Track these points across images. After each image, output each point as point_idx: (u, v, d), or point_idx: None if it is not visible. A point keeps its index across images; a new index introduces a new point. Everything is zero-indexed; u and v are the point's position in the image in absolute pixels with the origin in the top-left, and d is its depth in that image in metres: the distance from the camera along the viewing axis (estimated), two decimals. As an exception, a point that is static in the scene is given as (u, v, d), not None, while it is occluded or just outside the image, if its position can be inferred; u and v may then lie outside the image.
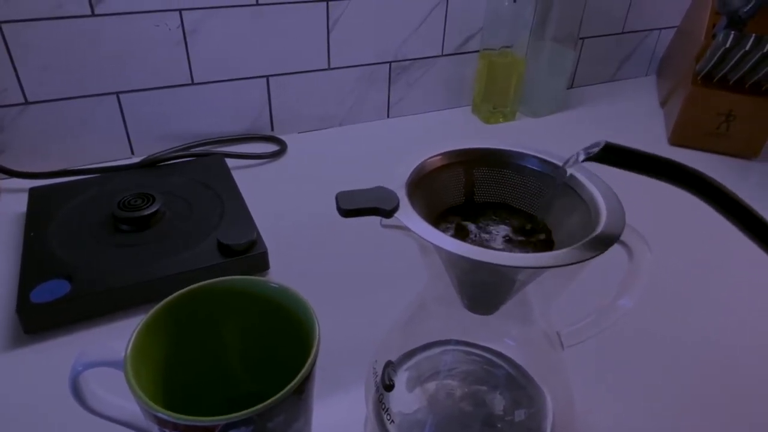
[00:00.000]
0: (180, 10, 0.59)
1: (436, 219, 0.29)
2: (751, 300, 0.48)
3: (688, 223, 0.56)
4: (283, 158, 0.66)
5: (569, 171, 0.27)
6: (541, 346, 0.33)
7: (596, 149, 0.23)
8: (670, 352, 0.42)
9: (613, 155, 0.23)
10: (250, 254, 0.46)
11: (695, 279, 0.50)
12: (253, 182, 0.59)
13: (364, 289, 0.47)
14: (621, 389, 0.39)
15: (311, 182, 0.61)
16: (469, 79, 0.78)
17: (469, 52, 0.76)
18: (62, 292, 0.42)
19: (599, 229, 0.24)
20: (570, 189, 0.28)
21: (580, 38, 0.82)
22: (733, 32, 0.61)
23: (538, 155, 0.30)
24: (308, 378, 0.27)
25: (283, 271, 0.48)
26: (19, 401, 0.37)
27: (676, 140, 0.72)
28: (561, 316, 0.32)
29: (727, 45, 0.62)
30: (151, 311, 0.29)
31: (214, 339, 0.33)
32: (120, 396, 0.30)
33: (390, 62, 0.72)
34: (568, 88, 0.84)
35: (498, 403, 0.33)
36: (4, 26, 0.53)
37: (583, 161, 0.24)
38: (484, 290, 0.27)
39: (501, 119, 0.76)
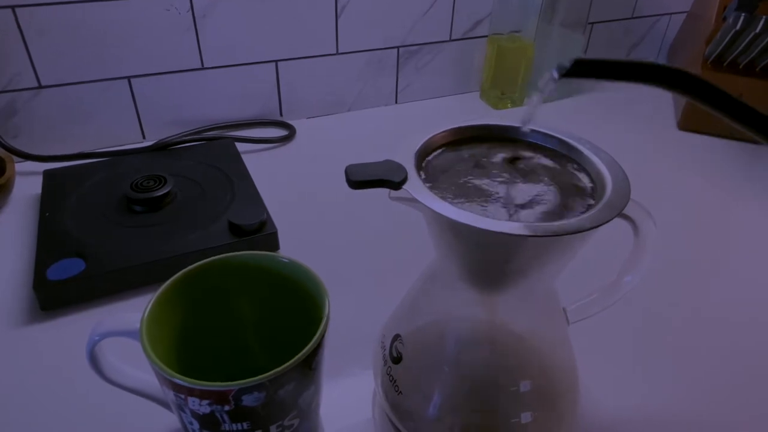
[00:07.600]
0: (190, -5, 0.59)
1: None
2: (761, 274, 0.48)
3: (693, 198, 0.56)
4: (292, 143, 0.67)
5: (545, 94, 0.26)
6: (547, 321, 0.33)
7: (567, 65, 0.24)
8: (676, 326, 0.43)
9: (584, 68, 0.24)
10: (261, 234, 0.47)
11: (702, 254, 0.50)
12: (263, 166, 0.60)
13: (372, 269, 0.47)
14: (626, 364, 0.40)
15: (319, 166, 0.62)
16: (478, 64, 0.78)
17: (477, 37, 0.76)
18: (77, 270, 0.43)
19: (604, 201, 0.25)
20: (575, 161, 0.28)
21: (589, 23, 0.82)
22: (743, 14, 0.61)
23: (546, 131, 0.30)
24: (318, 349, 0.28)
25: (292, 251, 0.48)
26: (37, 374, 0.38)
27: (686, 125, 0.72)
28: (567, 292, 0.32)
29: (738, 27, 0.61)
30: (166, 283, 0.30)
31: (228, 313, 0.33)
32: (136, 368, 0.31)
33: (398, 47, 0.72)
34: (576, 74, 0.84)
35: (503, 376, 0.34)
36: (18, 10, 0.54)
37: (558, 79, 0.24)
38: (491, 265, 0.28)
39: (509, 105, 0.76)
